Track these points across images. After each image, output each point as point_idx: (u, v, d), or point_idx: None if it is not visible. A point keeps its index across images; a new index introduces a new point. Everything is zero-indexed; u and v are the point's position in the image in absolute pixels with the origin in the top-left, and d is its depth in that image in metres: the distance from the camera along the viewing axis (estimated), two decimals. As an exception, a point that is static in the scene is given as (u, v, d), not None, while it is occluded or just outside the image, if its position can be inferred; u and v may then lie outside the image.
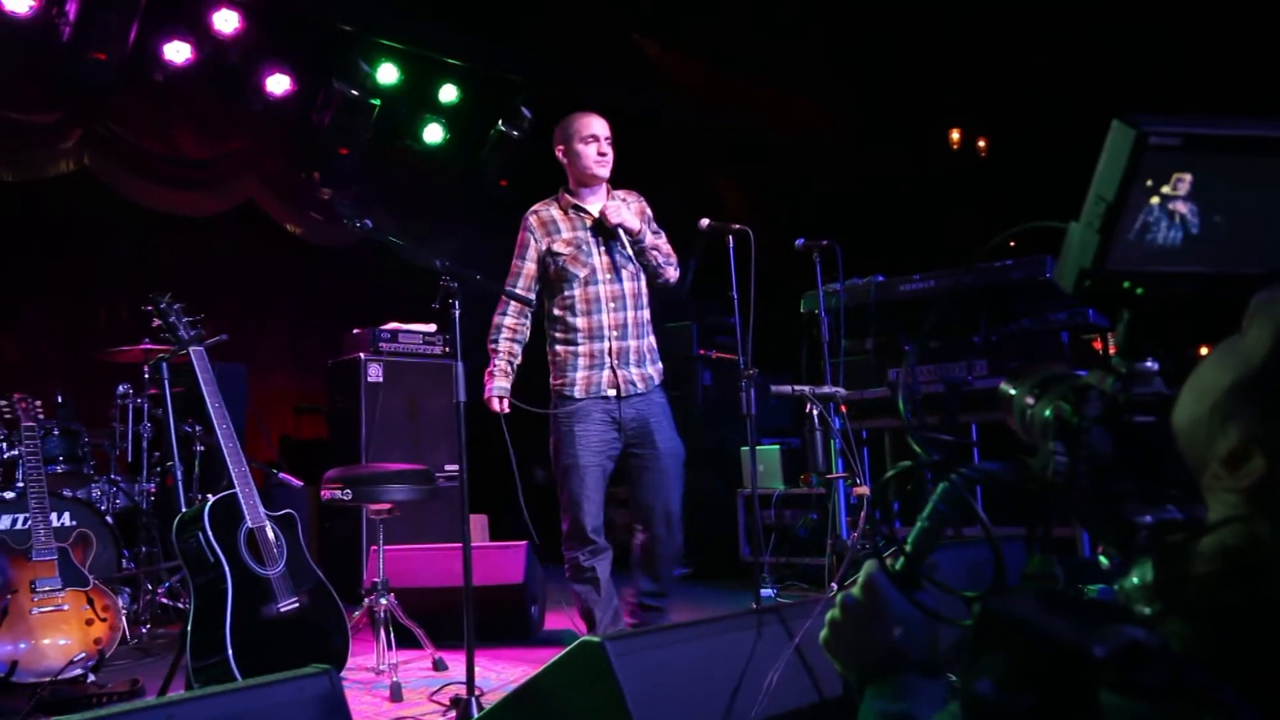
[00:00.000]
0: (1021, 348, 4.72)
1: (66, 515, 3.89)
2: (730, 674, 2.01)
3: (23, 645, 3.22)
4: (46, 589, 3.34)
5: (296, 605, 3.10)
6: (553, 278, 3.64)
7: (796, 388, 4.23)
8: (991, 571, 0.91)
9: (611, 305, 3.59)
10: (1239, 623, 0.71)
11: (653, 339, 3.74)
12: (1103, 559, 0.89)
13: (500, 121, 7.40)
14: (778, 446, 5.90)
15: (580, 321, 3.59)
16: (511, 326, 3.64)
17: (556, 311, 3.65)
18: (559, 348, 3.64)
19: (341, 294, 7.28)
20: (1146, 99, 5.95)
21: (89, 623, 3.37)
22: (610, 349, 3.57)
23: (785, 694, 2.03)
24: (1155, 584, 0.77)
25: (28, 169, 5.83)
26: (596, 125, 3.65)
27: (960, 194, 7.22)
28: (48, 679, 3.19)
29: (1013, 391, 0.98)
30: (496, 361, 3.62)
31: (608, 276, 3.61)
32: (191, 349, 3.34)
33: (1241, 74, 5.54)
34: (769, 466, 5.83)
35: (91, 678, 3.30)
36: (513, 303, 3.60)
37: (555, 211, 3.69)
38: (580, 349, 3.58)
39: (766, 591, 4.70)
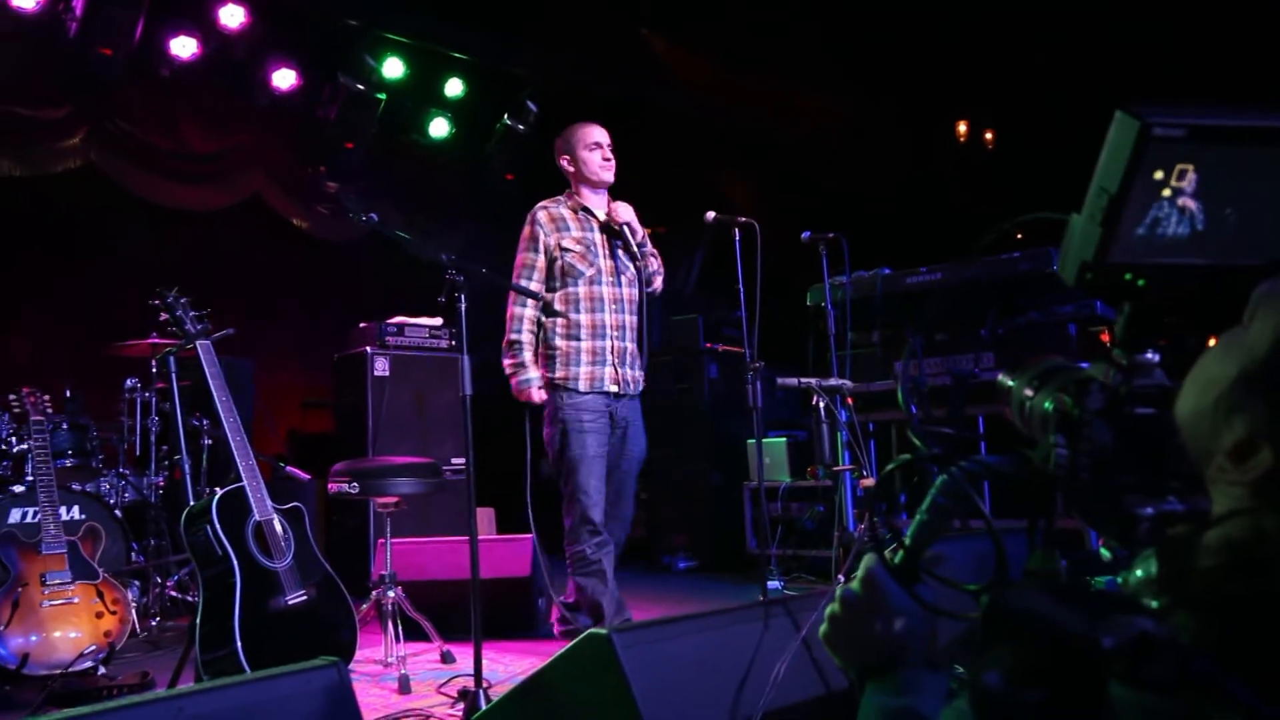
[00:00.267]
0: (1029, 340, 4.71)
1: (76, 509, 3.91)
2: (737, 666, 2.01)
3: (34, 638, 3.24)
4: (56, 582, 3.36)
5: (304, 598, 3.11)
6: (558, 273, 3.72)
7: (803, 380, 4.23)
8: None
9: (614, 306, 3.73)
10: (1245, 615, 0.71)
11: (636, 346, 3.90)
12: (1104, 552, 0.89)
13: (506, 116, 7.40)
14: (784, 439, 5.90)
15: (584, 318, 3.68)
16: (532, 318, 3.73)
17: (559, 306, 3.71)
18: (560, 342, 3.70)
19: (348, 288, 7.29)
20: (1157, 88, 5.91)
21: (99, 616, 3.39)
22: (612, 348, 3.69)
23: (791, 686, 2.03)
24: (1160, 577, 0.77)
25: (35, 164, 5.85)
26: (599, 133, 3.84)
27: (967, 186, 7.19)
28: (59, 671, 3.21)
29: (1011, 383, 0.98)
30: (524, 354, 3.68)
31: (611, 279, 3.75)
32: (199, 343, 3.35)
33: (1250, 63, 5.50)
34: (775, 459, 5.83)
35: (102, 670, 3.32)
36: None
37: (565, 210, 3.81)
38: (583, 345, 3.66)
39: (773, 584, 4.71)
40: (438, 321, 5.84)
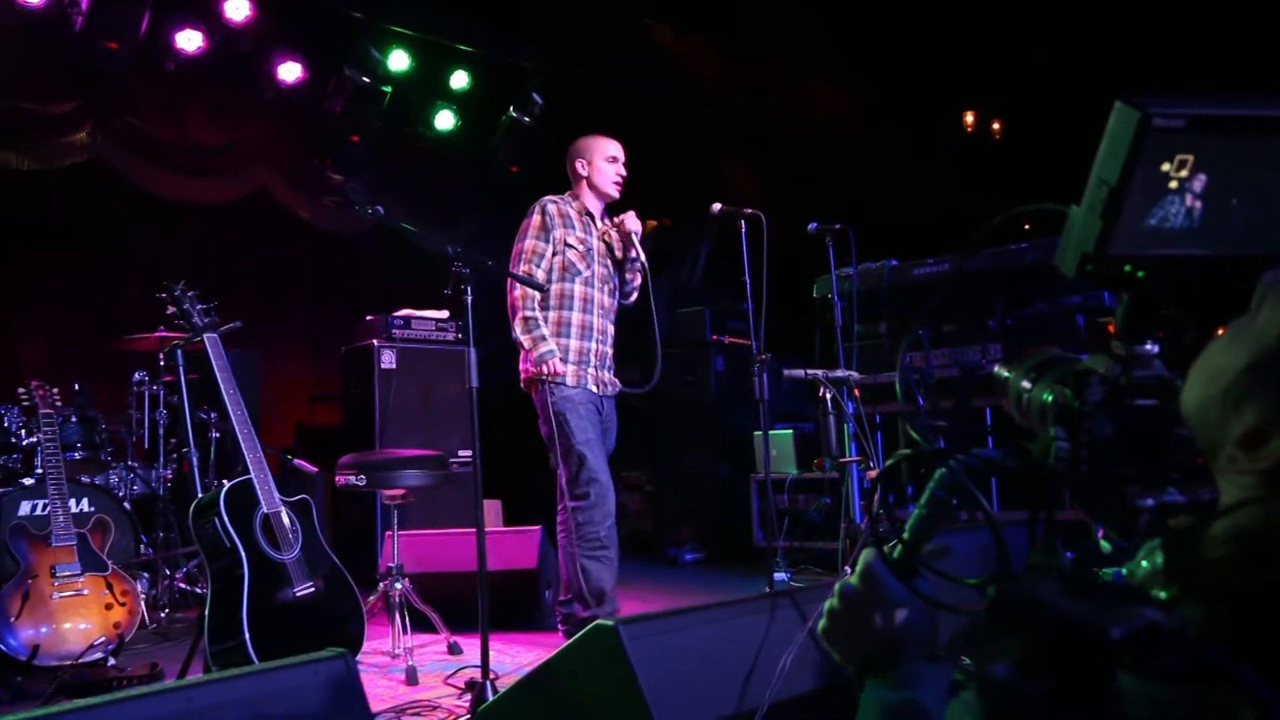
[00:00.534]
0: (1036, 331, 4.70)
1: (85, 501, 3.93)
2: (743, 657, 2.01)
3: (44, 629, 3.27)
4: (66, 574, 3.38)
5: (312, 590, 3.12)
6: (556, 268, 3.75)
7: (810, 372, 4.22)
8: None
9: (600, 311, 3.82)
10: (1254, 605, 0.70)
11: None
12: (1104, 544, 0.89)
13: (511, 108, 7.38)
14: (791, 431, 5.90)
15: (576, 317, 3.74)
16: (537, 297, 3.76)
17: (551, 300, 3.74)
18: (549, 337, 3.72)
19: (354, 281, 7.30)
20: (1166, 77, 5.88)
21: (108, 607, 3.41)
22: (595, 350, 3.77)
23: (798, 677, 2.03)
24: (1167, 568, 0.77)
25: (42, 158, 5.86)
26: (619, 149, 3.92)
27: (975, 177, 7.16)
28: (69, 662, 3.24)
29: (1008, 375, 0.97)
30: (541, 328, 3.69)
31: (600, 285, 3.82)
32: (206, 336, 3.36)
33: (1253, 51, 5.47)
34: (782, 451, 5.83)
35: (111, 661, 3.35)
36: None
37: (571, 210, 3.85)
38: (571, 343, 3.72)
39: (780, 576, 4.72)
40: (444, 314, 5.84)
